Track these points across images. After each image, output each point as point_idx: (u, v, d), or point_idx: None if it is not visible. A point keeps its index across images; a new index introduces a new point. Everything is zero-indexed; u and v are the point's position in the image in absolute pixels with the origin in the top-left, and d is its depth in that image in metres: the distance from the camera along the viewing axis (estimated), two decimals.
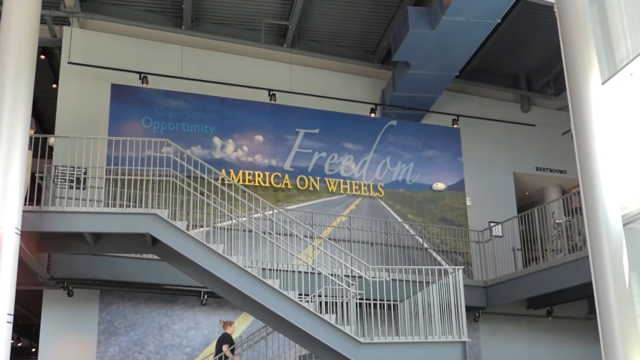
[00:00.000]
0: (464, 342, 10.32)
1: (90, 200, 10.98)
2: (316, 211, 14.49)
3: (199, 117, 14.59)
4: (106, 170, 11.51)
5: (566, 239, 13.23)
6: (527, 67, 18.36)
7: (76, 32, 14.78)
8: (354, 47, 17.08)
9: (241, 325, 13.77)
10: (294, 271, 10.99)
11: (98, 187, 11.41)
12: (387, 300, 10.84)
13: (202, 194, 10.73)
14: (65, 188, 11.34)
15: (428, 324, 10.71)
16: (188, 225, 10.27)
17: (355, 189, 15.57)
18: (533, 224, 14.10)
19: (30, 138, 9.65)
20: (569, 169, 18.11)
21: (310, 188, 15.15)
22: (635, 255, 8.02)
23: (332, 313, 10.19)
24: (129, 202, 10.65)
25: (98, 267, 12.47)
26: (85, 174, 11.13)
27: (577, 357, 15.85)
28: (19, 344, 25.04)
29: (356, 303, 10.40)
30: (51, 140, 12.89)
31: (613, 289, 7.62)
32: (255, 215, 10.89)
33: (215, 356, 11.44)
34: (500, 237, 15.46)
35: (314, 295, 10.40)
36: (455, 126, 16.95)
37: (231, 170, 14.46)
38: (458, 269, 10.72)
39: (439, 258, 15.32)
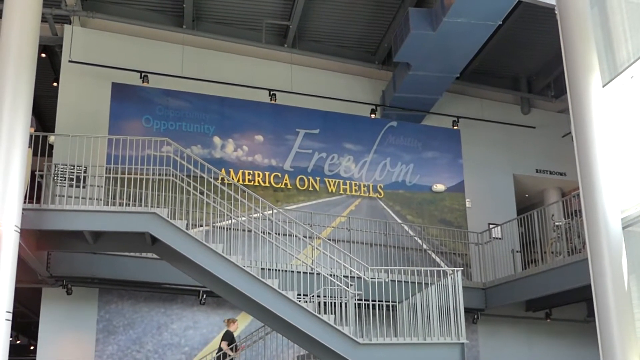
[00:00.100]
0: (463, 343, 10.33)
1: (90, 198, 10.97)
2: (315, 211, 14.50)
3: (199, 117, 14.59)
4: (106, 168, 11.51)
5: (565, 242, 13.24)
6: (528, 69, 18.36)
7: (77, 31, 14.78)
8: (355, 48, 17.08)
9: (240, 324, 13.74)
10: (293, 271, 11.01)
11: (98, 186, 11.40)
12: (385, 301, 10.86)
13: (201, 193, 10.74)
14: (65, 186, 11.33)
15: (427, 325, 10.71)
16: (187, 225, 10.28)
17: (355, 189, 15.57)
18: (532, 226, 14.10)
19: (31, 136, 9.66)
20: (568, 171, 18.09)
21: (310, 188, 15.16)
22: (634, 258, 8.01)
23: (331, 313, 10.20)
24: (129, 200, 10.67)
25: (97, 265, 12.47)
26: (85, 172, 11.14)
27: (576, 359, 15.84)
28: (18, 342, 25.03)
29: (355, 304, 10.41)
30: (51, 138, 12.92)
31: (612, 292, 7.61)
32: (255, 215, 10.90)
33: (216, 353, 11.51)
34: (500, 239, 15.46)
35: (313, 296, 10.41)
36: (455, 127, 16.95)
37: (231, 170, 14.47)
38: (457, 271, 10.72)
39: (438, 259, 15.32)
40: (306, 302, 10.11)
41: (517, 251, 15.23)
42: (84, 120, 13.90)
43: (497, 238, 15.44)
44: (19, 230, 8.62)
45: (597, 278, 7.76)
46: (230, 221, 10.90)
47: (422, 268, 11.06)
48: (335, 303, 10.32)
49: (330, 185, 15.34)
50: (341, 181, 15.49)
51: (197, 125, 14.54)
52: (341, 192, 15.40)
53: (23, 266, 9.77)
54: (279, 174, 14.98)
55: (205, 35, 15.66)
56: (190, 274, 10.71)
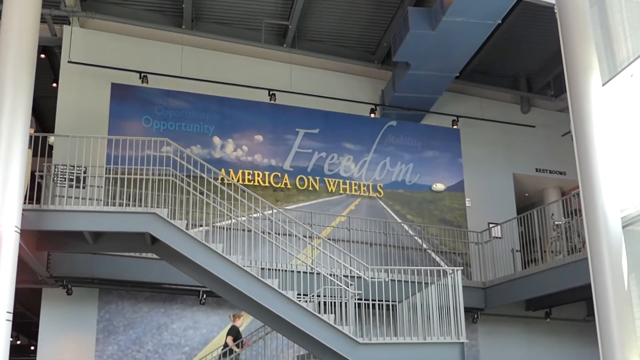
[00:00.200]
0: (462, 343, 10.33)
1: (90, 199, 10.98)
2: (315, 211, 14.50)
3: (198, 117, 14.59)
4: (106, 169, 11.52)
5: (565, 241, 13.23)
6: (527, 68, 18.36)
7: (76, 31, 14.78)
8: (354, 47, 17.08)
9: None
10: (292, 271, 11.01)
11: (98, 186, 11.41)
12: (385, 301, 10.86)
13: (201, 193, 10.74)
14: (65, 187, 11.34)
15: (426, 324, 10.71)
16: (187, 225, 10.28)
17: (355, 189, 15.57)
18: (532, 225, 14.08)
19: (30, 137, 9.66)
20: (568, 170, 18.10)
21: (310, 188, 15.16)
22: (634, 257, 8.02)
23: (331, 313, 10.20)
24: (129, 201, 10.67)
25: (97, 265, 12.48)
26: (85, 172, 11.15)
27: (576, 359, 15.84)
28: (18, 342, 25.03)
29: (355, 303, 10.41)
30: (51, 139, 12.92)
31: (612, 291, 7.61)
32: (255, 215, 10.90)
33: (222, 349, 11.52)
34: (500, 238, 15.46)
35: (313, 295, 10.41)
36: (455, 127, 16.95)
37: (231, 170, 14.47)
38: (457, 270, 10.73)
39: (437, 259, 15.32)
40: (306, 301, 10.12)
41: (517, 250, 15.23)
42: (84, 121, 13.91)
43: (497, 237, 15.44)
44: (19, 231, 8.62)
45: (597, 277, 7.77)
46: (230, 221, 10.91)
47: (422, 267, 11.07)
48: (335, 303, 10.32)
49: (330, 185, 15.34)
50: (341, 181, 15.49)
51: (197, 125, 14.54)
52: (341, 191, 15.40)
53: (23, 266, 9.78)
54: (279, 174, 14.99)
55: (204, 35, 15.65)
56: (190, 274, 10.71)
